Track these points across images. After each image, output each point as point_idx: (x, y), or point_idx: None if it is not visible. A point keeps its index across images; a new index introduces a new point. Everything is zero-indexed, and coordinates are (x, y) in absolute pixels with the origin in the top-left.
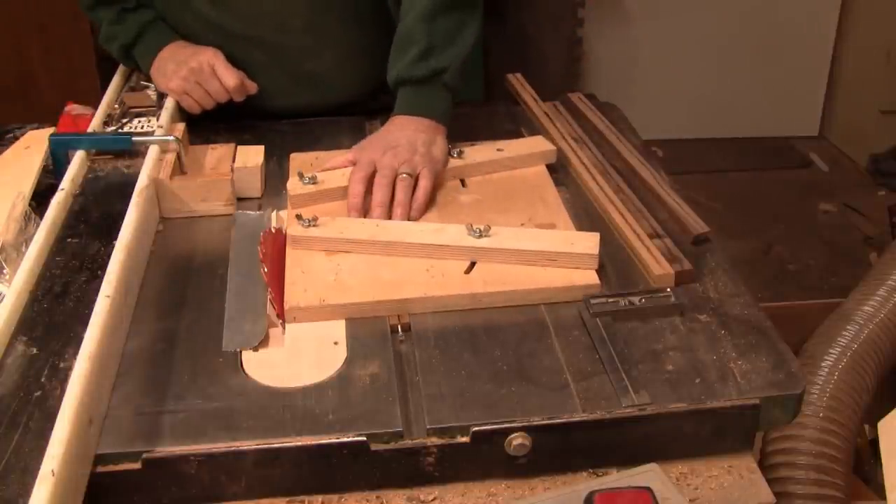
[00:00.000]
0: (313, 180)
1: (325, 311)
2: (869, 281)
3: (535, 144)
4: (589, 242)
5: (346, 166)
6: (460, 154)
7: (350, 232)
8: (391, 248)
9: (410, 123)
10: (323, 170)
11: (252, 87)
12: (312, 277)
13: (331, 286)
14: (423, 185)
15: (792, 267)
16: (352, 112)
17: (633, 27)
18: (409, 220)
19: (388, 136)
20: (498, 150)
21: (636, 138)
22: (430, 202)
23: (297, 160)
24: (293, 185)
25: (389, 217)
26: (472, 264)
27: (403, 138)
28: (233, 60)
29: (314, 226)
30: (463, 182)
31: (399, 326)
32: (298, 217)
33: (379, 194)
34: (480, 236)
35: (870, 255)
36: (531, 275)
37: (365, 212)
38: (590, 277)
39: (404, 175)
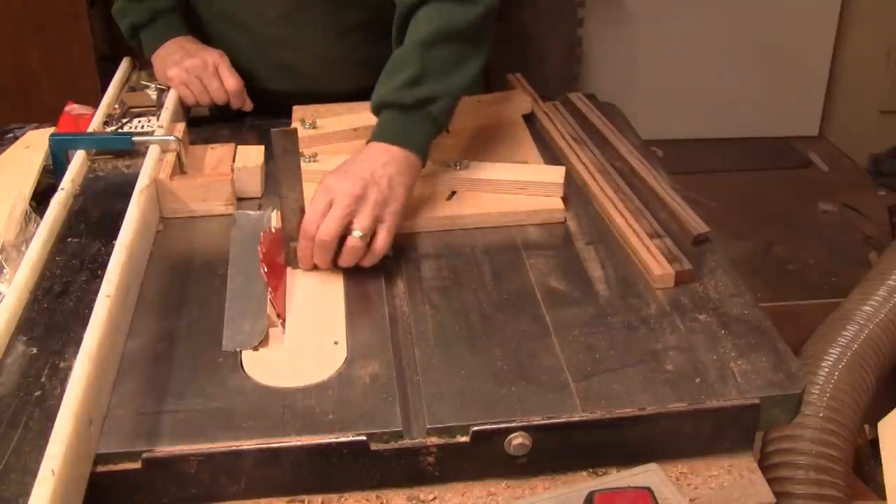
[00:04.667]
0: (313, 125)
1: None
2: (869, 281)
3: (510, 95)
4: (555, 174)
5: None
6: None
7: None
8: None
9: (382, 154)
10: None
11: (248, 105)
12: None
13: None
14: (382, 238)
15: (792, 267)
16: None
17: (633, 27)
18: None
19: (354, 170)
20: (478, 101)
21: (636, 138)
22: None
23: (299, 111)
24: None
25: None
26: (453, 193)
27: (368, 173)
28: (218, 39)
29: (314, 161)
30: (447, 129)
31: None
32: (301, 154)
33: (321, 255)
34: (460, 169)
35: (870, 255)
36: (503, 200)
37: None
38: (555, 204)
39: (358, 235)
